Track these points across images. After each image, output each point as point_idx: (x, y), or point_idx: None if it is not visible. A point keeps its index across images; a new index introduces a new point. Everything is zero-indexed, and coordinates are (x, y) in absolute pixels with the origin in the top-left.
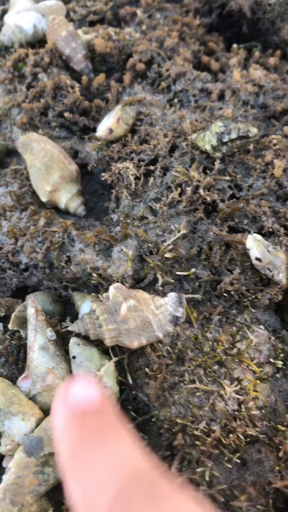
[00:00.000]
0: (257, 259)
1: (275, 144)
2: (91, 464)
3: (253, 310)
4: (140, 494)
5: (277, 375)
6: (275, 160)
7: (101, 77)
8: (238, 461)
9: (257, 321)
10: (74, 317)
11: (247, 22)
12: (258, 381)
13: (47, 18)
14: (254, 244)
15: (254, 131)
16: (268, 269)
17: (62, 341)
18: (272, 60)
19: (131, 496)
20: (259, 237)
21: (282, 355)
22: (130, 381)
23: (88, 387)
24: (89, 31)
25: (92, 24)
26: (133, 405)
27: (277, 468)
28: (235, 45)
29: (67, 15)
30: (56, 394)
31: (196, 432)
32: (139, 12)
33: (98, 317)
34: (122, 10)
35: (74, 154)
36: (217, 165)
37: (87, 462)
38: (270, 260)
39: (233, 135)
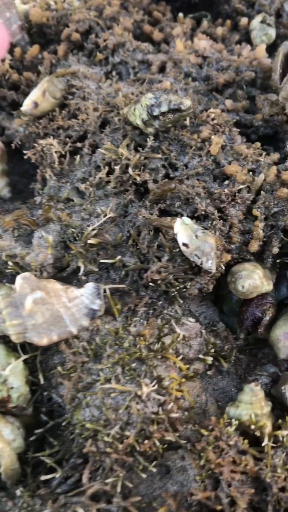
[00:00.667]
0: (184, 244)
1: (213, 119)
2: None
3: (181, 301)
4: None
5: (209, 372)
6: (212, 136)
7: (35, 48)
8: (154, 469)
9: (189, 313)
10: None
11: None
12: (184, 380)
13: None
14: (181, 228)
15: (187, 103)
16: (196, 255)
17: None
18: (219, 30)
19: None
20: (188, 220)
21: (213, 350)
22: (42, 381)
23: None
24: (28, 0)
25: None
26: (47, 407)
27: (198, 478)
28: (180, 14)
29: None
30: None
31: (107, 438)
32: None
33: (1, 310)
34: None
35: (1, 131)
36: (150, 142)
37: None
38: (197, 245)
39: (164, 108)
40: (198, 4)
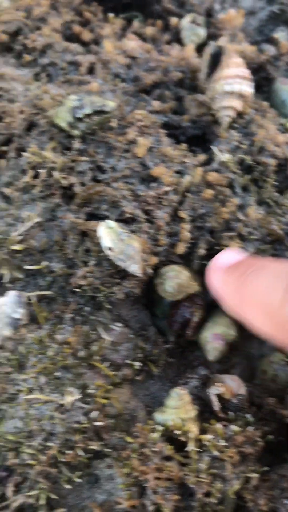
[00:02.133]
0: (109, 248)
1: (139, 120)
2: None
3: (109, 306)
4: None
5: (138, 378)
6: (138, 138)
7: None
8: (79, 480)
9: (118, 318)
10: None
11: None
12: (111, 386)
13: None
14: (105, 232)
15: (110, 105)
16: (121, 259)
17: None
18: (149, 30)
19: None
20: (112, 223)
21: (140, 355)
22: None
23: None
24: None
25: None
26: None
27: (122, 486)
28: (110, 14)
29: None
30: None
31: (29, 450)
32: None
33: None
34: None
35: None
36: (77, 144)
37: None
38: (122, 249)
39: (87, 110)
40: (131, 5)
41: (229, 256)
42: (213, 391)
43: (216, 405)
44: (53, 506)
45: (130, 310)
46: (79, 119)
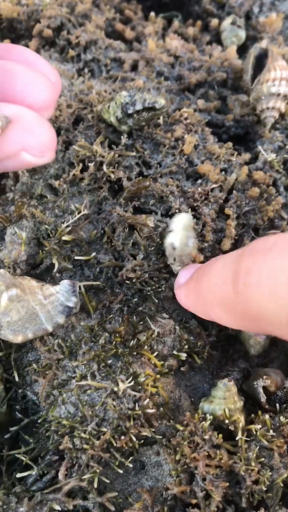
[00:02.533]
0: (172, 246)
1: (186, 118)
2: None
3: (156, 301)
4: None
5: (182, 369)
6: (185, 136)
7: (6, 43)
8: (131, 465)
9: (162, 310)
10: None
11: None
12: (158, 376)
13: None
14: (179, 231)
15: (161, 102)
16: (174, 258)
17: None
18: (191, 30)
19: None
20: (188, 220)
21: (186, 346)
22: (17, 378)
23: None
24: None
25: None
26: (21, 404)
27: (173, 472)
28: (152, 13)
29: None
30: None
31: (83, 435)
32: None
33: None
34: None
35: None
36: (124, 139)
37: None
38: (182, 254)
39: (138, 106)
40: (168, 4)
41: (185, 272)
42: (260, 383)
43: (263, 396)
44: (101, 490)
45: (172, 303)
46: (129, 115)
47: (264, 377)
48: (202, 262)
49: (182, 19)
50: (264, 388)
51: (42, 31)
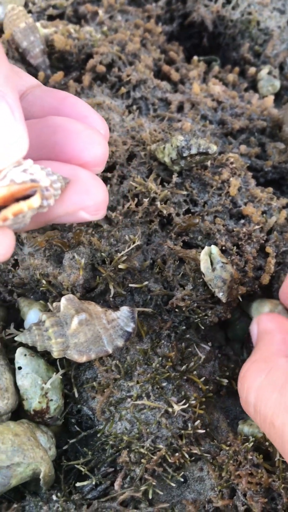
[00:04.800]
0: (203, 274)
1: (232, 163)
2: None
3: (202, 327)
4: None
5: (221, 393)
6: (231, 179)
7: (59, 74)
8: (182, 479)
9: (204, 338)
10: (18, 323)
11: (208, 35)
12: (204, 399)
13: (5, 7)
14: (204, 258)
15: (214, 148)
16: (211, 285)
17: (5, 348)
18: (231, 77)
19: None
20: (214, 250)
21: (227, 373)
22: (76, 395)
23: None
24: (48, 25)
25: (51, 18)
26: (77, 418)
27: (218, 487)
28: (195, 57)
29: (26, 6)
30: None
31: (142, 450)
32: (100, 11)
33: (47, 329)
34: (83, 7)
35: None
36: (175, 178)
37: None
38: (211, 278)
39: (193, 151)
40: (206, 47)
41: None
42: None
43: None
44: (150, 502)
45: (210, 331)
46: (183, 157)
47: None
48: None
49: (221, 63)
50: None
51: (95, 66)
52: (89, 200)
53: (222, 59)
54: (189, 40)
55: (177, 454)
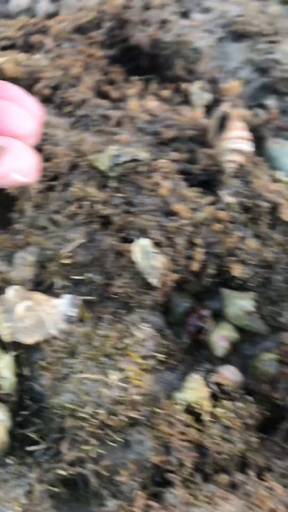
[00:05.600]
0: (136, 262)
1: (163, 168)
2: None
3: (139, 311)
4: None
5: (161, 367)
6: (162, 181)
7: None
8: (122, 440)
9: (143, 320)
10: None
11: (145, 57)
12: (141, 371)
13: None
14: (135, 250)
15: (143, 155)
16: (143, 273)
17: None
18: (166, 93)
19: None
20: (145, 241)
21: (162, 348)
22: (27, 373)
23: None
24: (1, 55)
25: (3, 49)
26: (29, 394)
27: (152, 444)
28: (134, 77)
29: None
30: None
31: (84, 415)
32: (48, 40)
33: None
34: (32, 37)
35: None
36: (112, 183)
37: None
38: (143, 266)
39: (125, 158)
40: (145, 67)
41: None
42: (214, 378)
43: (215, 389)
44: (95, 460)
45: (151, 315)
46: (117, 164)
47: (219, 373)
48: (178, 279)
49: (158, 81)
50: (219, 382)
51: (41, 90)
52: (20, 163)
53: (159, 77)
54: (129, 62)
55: (115, 417)
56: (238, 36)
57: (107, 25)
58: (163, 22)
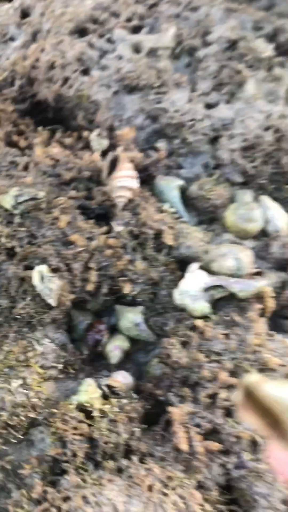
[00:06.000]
0: (36, 285)
1: (62, 203)
2: None
3: (41, 328)
4: None
5: (61, 376)
6: (62, 216)
7: None
8: (21, 437)
9: (46, 337)
10: None
11: (52, 109)
12: (42, 380)
13: None
14: (34, 275)
15: (41, 194)
16: (45, 294)
17: None
18: (69, 140)
19: None
20: (42, 268)
21: (62, 360)
22: None
23: None
24: None
25: None
26: None
27: (50, 440)
28: (40, 128)
29: None
30: None
31: None
32: None
33: None
34: None
35: None
36: (17, 219)
37: None
38: (42, 288)
39: (26, 197)
40: (53, 119)
41: None
42: (104, 381)
43: (106, 390)
44: (1, 456)
45: (56, 333)
46: (20, 203)
47: (110, 377)
48: (75, 299)
49: (63, 130)
50: (110, 385)
51: None
52: None
53: (64, 127)
54: (38, 115)
55: (16, 418)
56: (131, 89)
57: (18, 83)
58: (66, 79)
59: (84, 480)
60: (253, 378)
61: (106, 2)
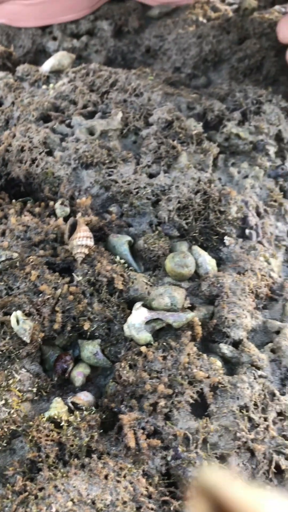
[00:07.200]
0: (13, 327)
1: (32, 261)
2: None
3: (18, 360)
4: None
5: (36, 398)
6: (32, 271)
7: None
8: (5, 445)
9: (23, 367)
10: None
11: (23, 185)
12: (20, 401)
13: None
14: (11, 319)
15: (15, 255)
16: (20, 333)
17: None
18: (38, 209)
19: None
20: (18, 313)
21: (36, 385)
22: None
23: None
24: None
25: None
26: None
27: (28, 446)
28: (13, 200)
29: None
30: None
31: None
32: None
33: None
34: None
35: None
36: None
37: None
38: (17, 329)
39: (3, 258)
40: (24, 192)
41: None
42: (70, 399)
43: (71, 406)
44: None
45: (31, 364)
46: None
47: (74, 396)
48: (44, 336)
49: (32, 202)
50: (74, 402)
51: None
52: None
53: (34, 198)
54: (12, 189)
55: (1, 430)
56: (87, 165)
57: None
58: (34, 160)
59: (55, 475)
60: (211, 477)
61: (66, 91)
